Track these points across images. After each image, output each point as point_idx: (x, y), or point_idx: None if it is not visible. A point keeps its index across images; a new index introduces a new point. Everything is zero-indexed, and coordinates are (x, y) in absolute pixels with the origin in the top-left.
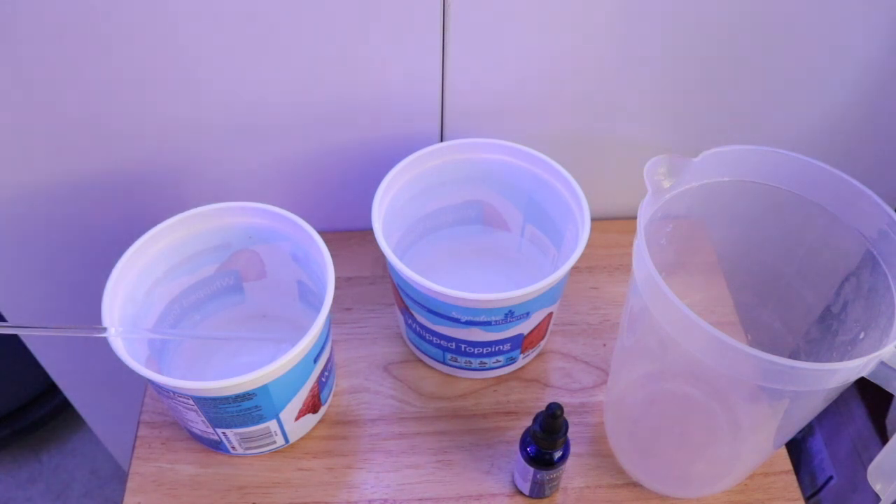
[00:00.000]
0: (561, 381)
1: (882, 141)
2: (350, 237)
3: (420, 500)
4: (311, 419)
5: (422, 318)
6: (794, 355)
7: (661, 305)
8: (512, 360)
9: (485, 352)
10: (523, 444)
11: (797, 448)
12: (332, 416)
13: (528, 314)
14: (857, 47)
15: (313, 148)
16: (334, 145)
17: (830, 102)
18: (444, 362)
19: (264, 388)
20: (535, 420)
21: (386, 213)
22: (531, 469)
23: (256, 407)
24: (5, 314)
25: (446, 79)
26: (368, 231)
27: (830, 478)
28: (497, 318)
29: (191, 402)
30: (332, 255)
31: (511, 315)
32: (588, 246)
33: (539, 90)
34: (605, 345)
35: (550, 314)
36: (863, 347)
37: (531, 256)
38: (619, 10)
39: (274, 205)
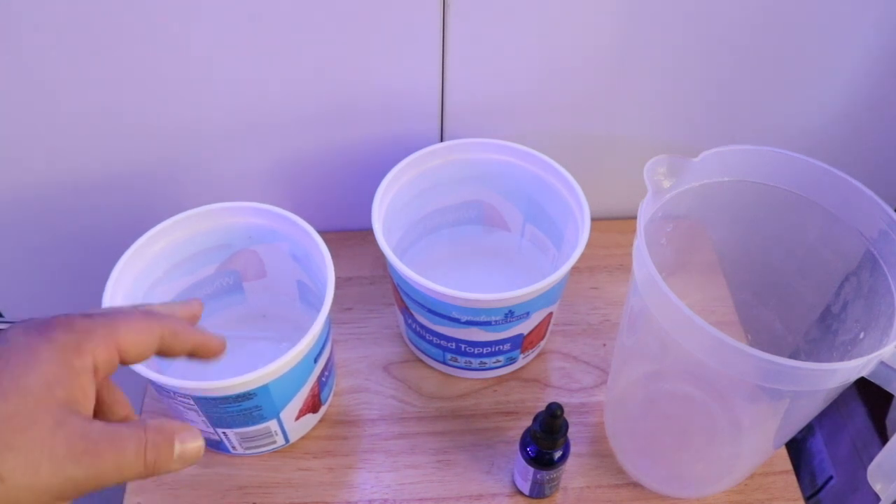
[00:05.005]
0: (561, 381)
1: (882, 141)
2: (350, 237)
3: (420, 500)
4: (312, 419)
5: (422, 318)
6: (794, 355)
7: (661, 305)
8: (512, 360)
9: (485, 352)
10: (523, 444)
11: (797, 448)
12: (332, 415)
13: (528, 314)
14: (857, 48)
15: (313, 148)
16: (334, 145)
17: (831, 102)
18: (444, 362)
19: (265, 388)
20: (535, 420)
21: (386, 213)
22: (531, 469)
23: (257, 407)
24: (5, 314)
25: (446, 79)
26: (368, 231)
27: (830, 478)
28: (497, 318)
29: (191, 401)
30: (332, 255)
31: (511, 315)
32: (588, 246)
33: (539, 90)
34: (605, 345)
35: (550, 314)
36: (863, 347)
37: (531, 256)
38: (619, 10)
39: (274, 205)
